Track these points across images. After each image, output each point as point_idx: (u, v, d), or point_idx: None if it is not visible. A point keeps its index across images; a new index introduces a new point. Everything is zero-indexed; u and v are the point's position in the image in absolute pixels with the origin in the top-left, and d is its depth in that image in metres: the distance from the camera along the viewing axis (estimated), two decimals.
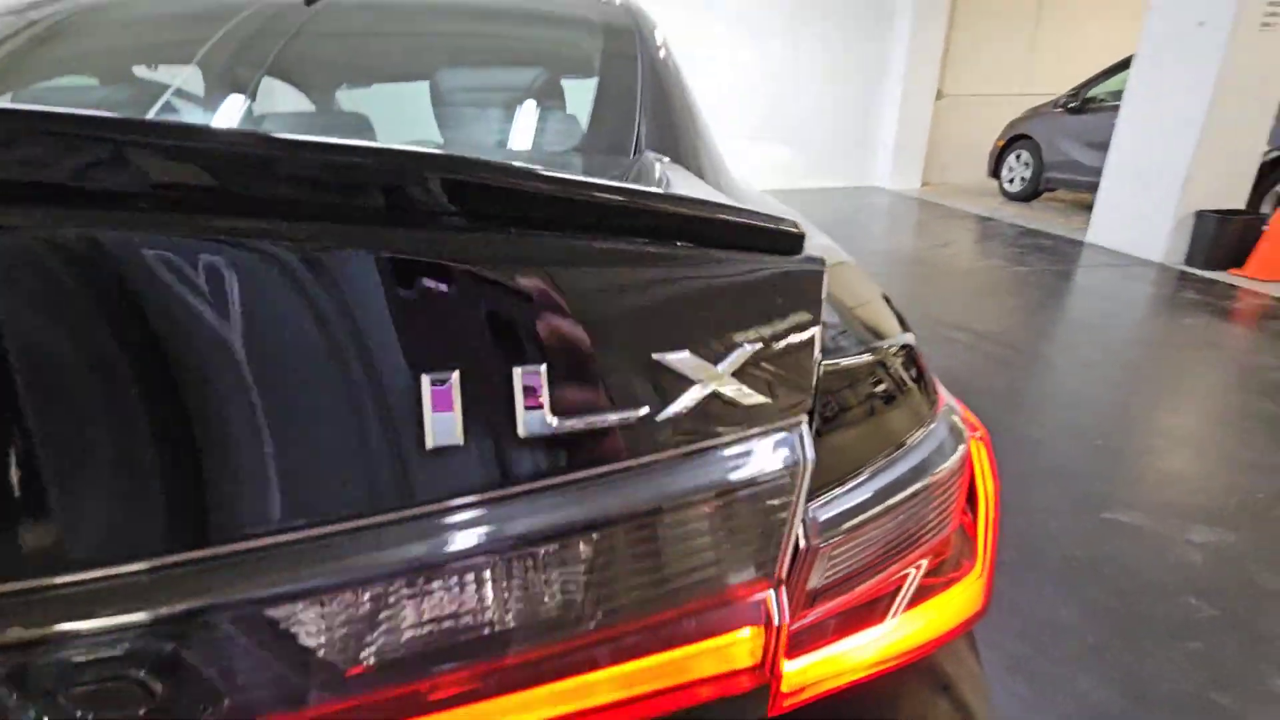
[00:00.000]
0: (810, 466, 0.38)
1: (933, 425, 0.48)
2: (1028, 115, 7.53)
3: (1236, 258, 4.48)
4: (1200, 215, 4.61)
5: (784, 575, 0.39)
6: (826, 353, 0.44)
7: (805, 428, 0.39)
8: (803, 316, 0.37)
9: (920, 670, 0.48)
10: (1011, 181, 7.70)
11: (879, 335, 0.50)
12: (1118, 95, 5.36)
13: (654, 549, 0.36)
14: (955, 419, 0.50)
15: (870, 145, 9.17)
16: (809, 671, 0.40)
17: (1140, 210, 4.97)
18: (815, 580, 0.40)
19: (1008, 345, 3.35)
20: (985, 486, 0.51)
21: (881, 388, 0.47)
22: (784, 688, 0.39)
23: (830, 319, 0.47)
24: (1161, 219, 4.77)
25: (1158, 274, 4.57)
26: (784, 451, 0.38)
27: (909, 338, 0.52)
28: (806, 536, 0.39)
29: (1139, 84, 5.00)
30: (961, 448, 0.48)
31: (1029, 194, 7.47)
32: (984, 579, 0.49)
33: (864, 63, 8.76)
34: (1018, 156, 7.59)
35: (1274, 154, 4.75)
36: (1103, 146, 5.44)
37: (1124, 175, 5.15)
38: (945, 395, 0.52)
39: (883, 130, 9.01)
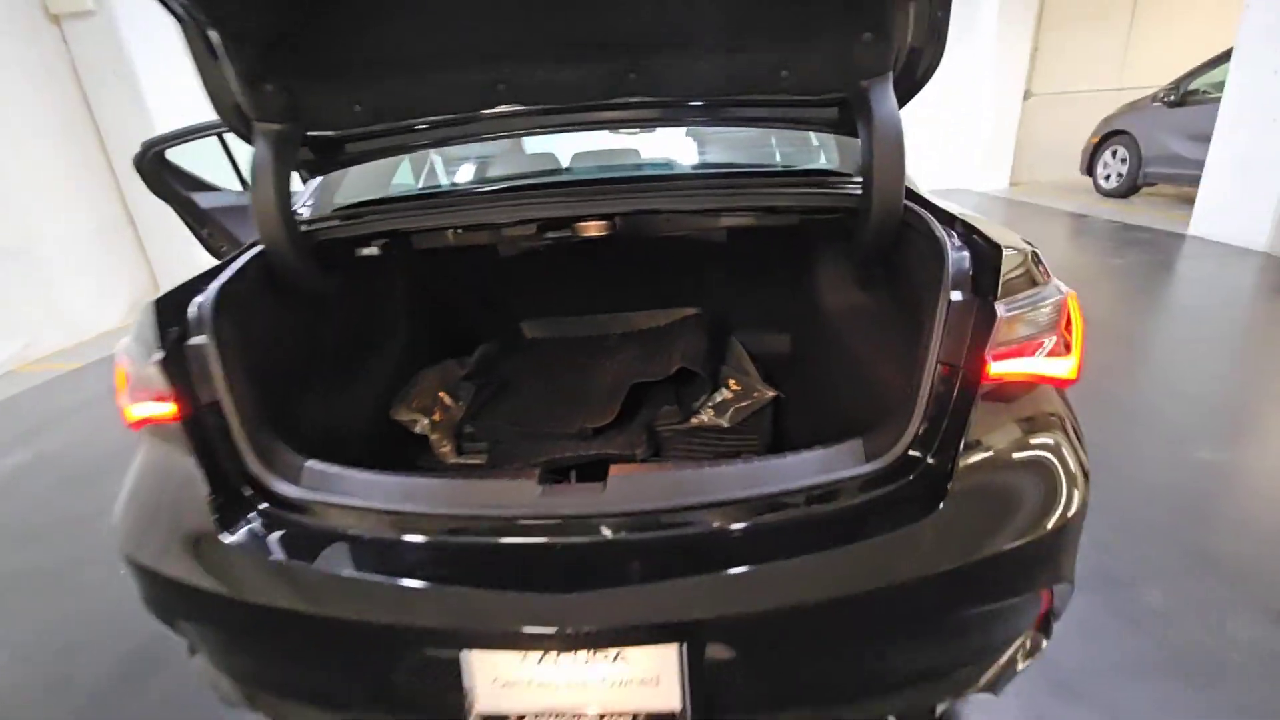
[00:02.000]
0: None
1: (1048, 284, 0.99)
2: (1124, 110, 7.48)
3: None
4: None
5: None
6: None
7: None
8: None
9: (1046, 394, 0.99)
10: (1107, 178, 7.66)
11: (1021, 248, 1.03)
12: (1220, 87, 5.40)
13: None
14: (1059, 284, 1.01)
15: (957, 146, 9.29)
16: (1000, 371, 0.94)
17: (1243, 199, 5.02)
18: (999, 337, 0.92)
19: (1099, 326, 3.62)
20: (1075, 319, 1.00)
21: (1022, 269, 0.99)
22: (989, 373, 0.93)
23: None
24: (1265, 207, 4.82)
25: (1262, 261, 4.62)
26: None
27: (1035, 249, 1.04)
28: (992, 325, 0.92)
29: (1239, 74, 5.06)
30: (1059, 295, 0.99)
31: (1126, 190, 7.42)
32: (1075, 363, 0.98)
33: (948, 64, 8.91)
34: (1113, 152, 7.55)
35: None
36: (1205, 139, 5.47)
37: (1226, 165, 5.20)
38: (1052, 277, 1.03)
39: (970, 131, 9.14)
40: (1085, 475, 0.95)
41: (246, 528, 0.97)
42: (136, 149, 2.50)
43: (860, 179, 1.22)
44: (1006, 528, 0.89)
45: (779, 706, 0.93)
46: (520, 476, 0.99)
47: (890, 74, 1.15)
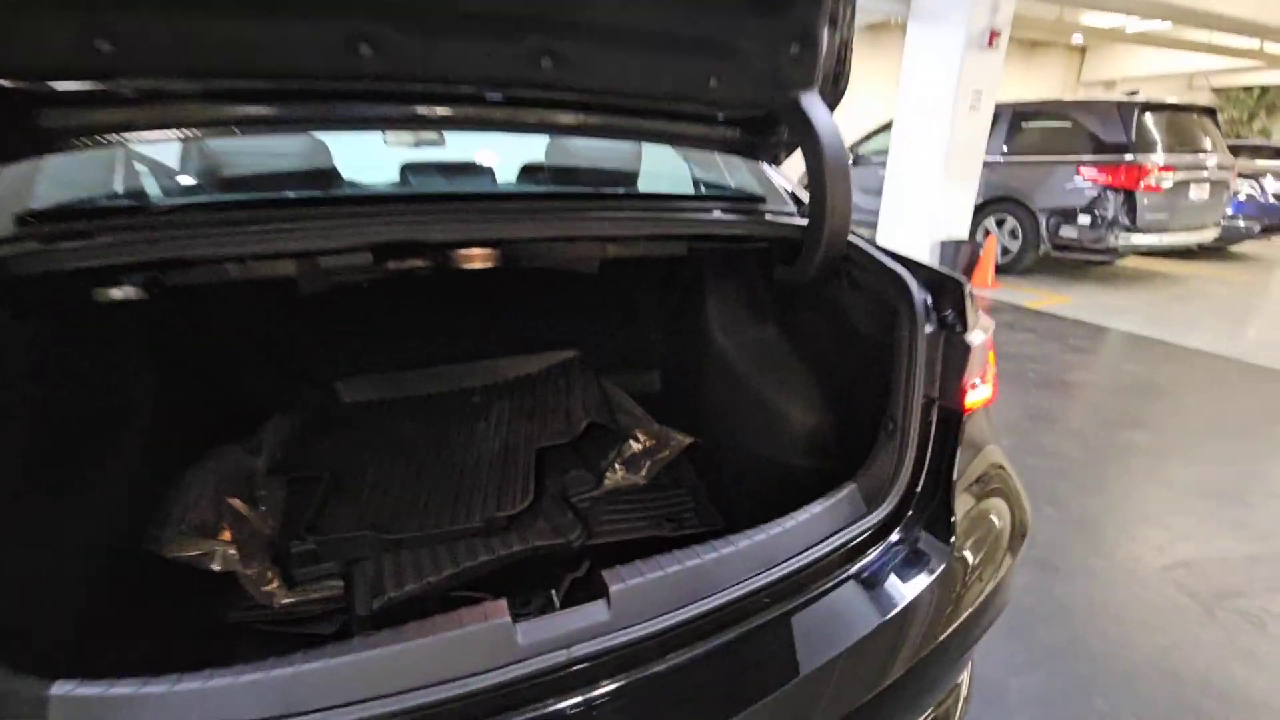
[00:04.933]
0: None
1: (987, 324, 1.08)
2: None
3: (967, 272, 6.27)
4: (943, 244, 6.36)
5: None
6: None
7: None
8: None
9: (981, 419, 1.07)
10: None
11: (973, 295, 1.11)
12: (881, 153, 7.09)
13: None
14: (988, 326, 1.12)
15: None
16: (971, 401, 0.97)
17: (905, 240, 6.66)
18: (968, 375, 0.97)
19: None
20: (991, 356, 1.13)
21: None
22: (966, 404, 0.95)
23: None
24: (919, 246, 6.46)
25: None
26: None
27: (967, 283, 1.13)
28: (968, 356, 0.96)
29: (896, 148, 6.70)
30: (987, 334, 1.09)
31: None
32: (991, 388, 1.10)
33: None
34: None
35: (981, 200, 6.73)
36: (875, 192, 7.13)
37: (892, 215, 6.85)
38: (985, 318, 1.12)
39: None
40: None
41: None
42: None
43: (795, 205, 1.20)
44: (1001, 554, 0.90)
45: None
46: (475, 619, 0.63)
47: (817, 87, 1.07)
